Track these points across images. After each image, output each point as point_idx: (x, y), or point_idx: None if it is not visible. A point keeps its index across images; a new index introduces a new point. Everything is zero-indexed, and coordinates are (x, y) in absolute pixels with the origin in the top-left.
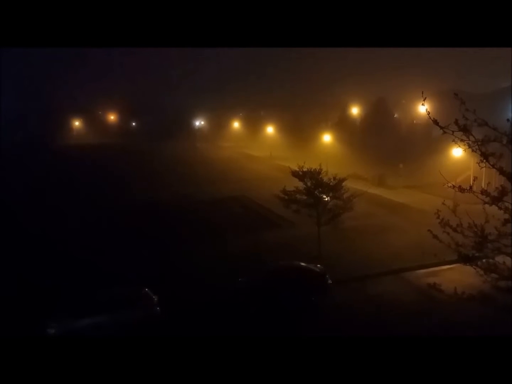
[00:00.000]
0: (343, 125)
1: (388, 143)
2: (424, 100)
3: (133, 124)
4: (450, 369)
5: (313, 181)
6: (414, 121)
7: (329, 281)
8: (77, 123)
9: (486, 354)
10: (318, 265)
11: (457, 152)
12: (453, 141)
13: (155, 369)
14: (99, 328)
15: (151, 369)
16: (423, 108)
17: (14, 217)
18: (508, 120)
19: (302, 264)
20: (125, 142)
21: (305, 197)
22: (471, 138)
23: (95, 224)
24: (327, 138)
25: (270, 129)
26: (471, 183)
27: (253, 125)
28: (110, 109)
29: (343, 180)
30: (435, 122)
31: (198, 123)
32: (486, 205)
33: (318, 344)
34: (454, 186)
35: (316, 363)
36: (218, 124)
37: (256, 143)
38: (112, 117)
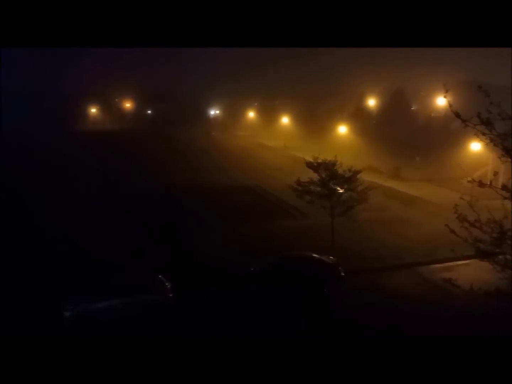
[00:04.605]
0: (359, 116)
1: (405, 136)
2: (446, 92)
3: (149, 112)
4: (450, 369)
5: (327, 172)
6: (432, 114)
7: (342, 273)
8: (93, 110)
9: (486, 354)
10: (331, 257)
11: (475, 146)
12: (475, 134)
13: (154, 368)
14: (113, 311)
15: (150, 368)
16: (441, 101)
17: (31, 202)
18: None
19: (315, 255)
20: (140, 129)
21: (319, 189)
22: (494, 132)
23: (109, 209)
24: (342, 129)
25: (285, 119)
26: (491, 178)
27: (268, 114)
28: (126, 96)
29: (358, 172)
30: (457, 114)
31: (213, 111)
32: (505, 201)
33: (318, 344)
34: (473, 181)
35: (315, 363)
36: (233, 113)
37: (270, 133)
38: (128, 104)
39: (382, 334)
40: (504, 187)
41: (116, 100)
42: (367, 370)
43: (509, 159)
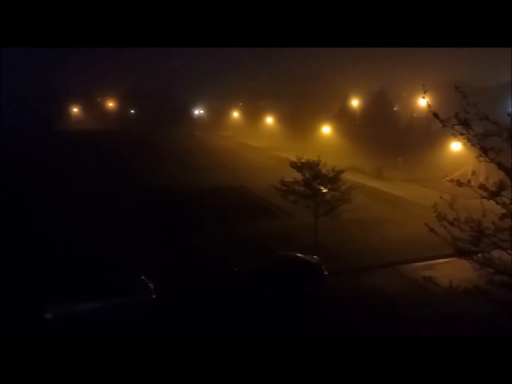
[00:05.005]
0: (342, 117)
1: (387, 136)
2: (424, 93)
3: (132, 111)
4: (450, 369)
5: (311, 172)
6: (414, 115)
7: (325, 272)
8: (75, 110)
9: (486, 354)
10: (315, 256)
11: (456, 146)
12: (452, 134)
13: (151, 369)
14: (95, 312)
15: (147, 369)
16: (423, 102)
17: (13, 203)
18: (508, 114)
19: (299, 255)
20: (123, 129)
21: (303, 189)
22: (471, 132)
23: (92, 210)
24: (326, 129)
25: (269, 120)
26: (470, 178)
27: (253, 115)
28: (109, 96)
29: (341, 172)
30: (435, 115)
31: (198, 111)
32: (484, 200)
33: (314, 344)
34: (452, 180)
35: (313, 363)
36: (218, 113)
37: (255, 133)
38: (110, 104)
39: (364, 332)
40: (481, 186)
41: (99, 99)
42: (364, 370)
43: (487, 159)
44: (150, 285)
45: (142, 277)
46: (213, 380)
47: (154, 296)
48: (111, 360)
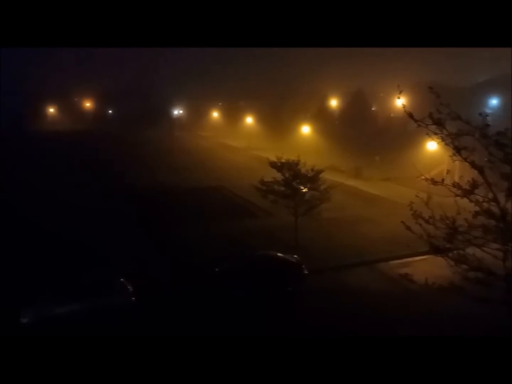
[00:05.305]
0: (321, 117)
1: (365, 136)
2: (400, 93)
3: (110, 111)
4: (450, 369)
5: (291, 172)
6: (391, 114)
7: (305, 271)
8: (51, 110)
9: (486, 354)
10: (295, 256)
11: (432, 145)
12: (427, 134)
13: (145, 369)
14: (74, 315)
15: (141, 369)
16: (400, 102)
17: None
18: (480, 114)
19: (279, 254)
20: (101, 129)
21: (282, 188)
22: (445, 131)
23: (68, 211)
24: (305, 129)
25: (249, 120)
26: (444, 176)
27: (232, 115)
28: (86, 96)
29: (320, 171)
30: (410, 115)
31: (177, 111)
32: (458, 198)
33: (313, 344)
34: (427, 179)
35: (312, 363)
36: (197, 113)
37: (235, 133)
38: (88, 104)
39: (344, 330)
40: (455, 185)
41: (76, 99)
42: (364, 370)
43: (460, 158)
44: (129, 287)
45: (121, 279)
46: (206, 380)
47: (133, 298)
48: (100, 361)
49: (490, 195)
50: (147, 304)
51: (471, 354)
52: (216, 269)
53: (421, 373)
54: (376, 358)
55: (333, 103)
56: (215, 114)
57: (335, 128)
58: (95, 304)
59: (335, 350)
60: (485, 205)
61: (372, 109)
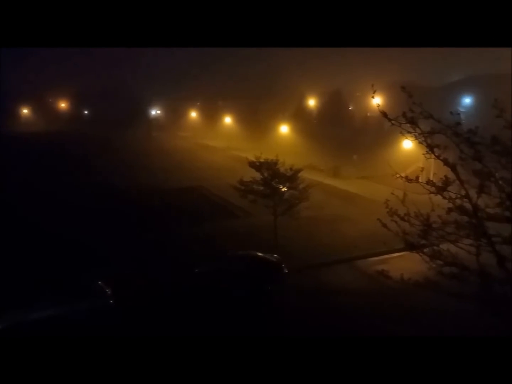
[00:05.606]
0: (300, 117)
1: (343, 135)
2: (374, 93)
3: (85, 112)
4: (450, 369)
5: (269, 171)
6: (368, 114)
7: (285, 270)
8: (25, 111)
9: (486, 354)
10: (275, 255)
11: (408, 144)
12: (400, 133)
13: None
14: (50, 321)
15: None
16: (376, 101)
17: None
18: (451, 112)
19: (259, 254)
20: (77, 130)
21: (261, 188)
22: (418, 130)
23: (46, 213)
24: (284, 129)
25: (227, 119)
26: (419, 174)
27: (211, 115)
28: (61, 97)
29: (299, 170)
30: (384, 114)
31: (154, 112)
32: (432, 195)
33: (311, 344)
34: (401, 177)
35: (310, 363)
36: (175, 113)
37: (213, 133)
38: (63, 105)
39: (323, 328)
40: (429, 182)
41: (50, 100)
42: (363, 371)
43: (433, 156)
44: (107, 290)
45: (99, 282)
46: (200, 381)
47: (111, 301)
48: (96, 362)
49: (463, 192)
50: (125, 305)
51: (471, 354)
52: (196, 270)
53: (421, 373)
54: (375, 358)
55: (311, 103)
56: (193, 114)
57: (313, 128)
58: (72, 307)
59: (334, 350)
60: (458, 201)
61: (349, 108)
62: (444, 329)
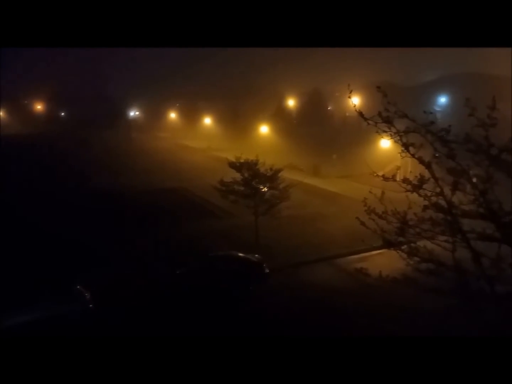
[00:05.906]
0: (279, 117)
1: (322, 134)
2: (350, 93)
3: (63, 114)
4: (450, 369)
5: (250, 172)
6: (347, 114)
7: (266, 270)
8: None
9: (486, 354)
10: (256, 255)
11: (386, 143)
12: (376, 132)
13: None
14: (28, 326)
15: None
16: (355, 101)
17: None
18: (424, 112)
19: (240, 254)
20: (54, 132)
21: (242, 188)
22: (393, 129)
23: (25, 215)
24: (264, 129)
25: (207, 120)
26: (396, 172)
27: (190, 115)
28: (36, 99)
29: (279, 170)
30: (360, 113)
31: (133, 113)
32: (409, 193)
33: (310, 344)
34: (379, 176)
35: (309, 363)
36: (154, 114)
37: (193, 134)
38: (39, 107)
39: (304, 327)
40: (405, 180)
41: (26, 102)
42: (362, 371)
43: (408, 154)
44: (86, 294)
45: (78, 286)
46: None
47: (90, 305)
48: (94, 362)
49: (438, 189)
50: (103, 307)
51: (471, 354)
52: (177, 271)
53: (421, 373)
54: (374, 358)
55: (291, 103)
56: (172, 115)
57: (293, 128)
58: (51, 312)
59: (333, 350)
60: (433, 199)
61: (329, 108)
62: (424, 325)
